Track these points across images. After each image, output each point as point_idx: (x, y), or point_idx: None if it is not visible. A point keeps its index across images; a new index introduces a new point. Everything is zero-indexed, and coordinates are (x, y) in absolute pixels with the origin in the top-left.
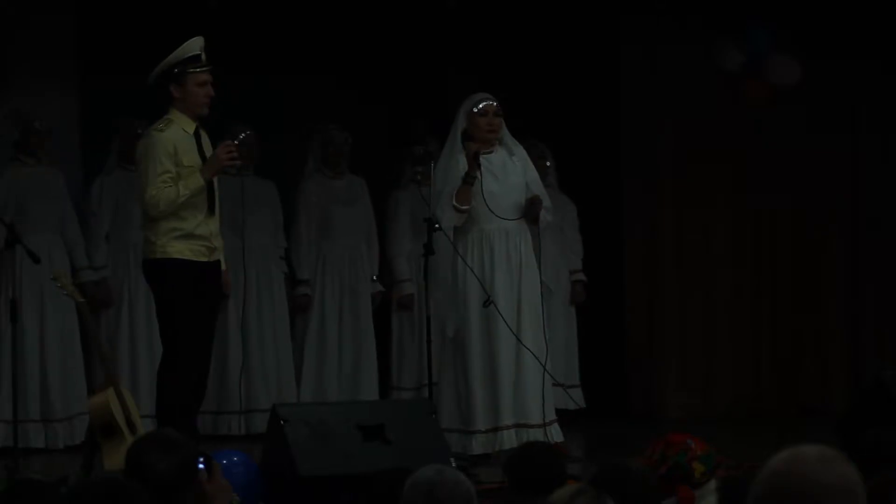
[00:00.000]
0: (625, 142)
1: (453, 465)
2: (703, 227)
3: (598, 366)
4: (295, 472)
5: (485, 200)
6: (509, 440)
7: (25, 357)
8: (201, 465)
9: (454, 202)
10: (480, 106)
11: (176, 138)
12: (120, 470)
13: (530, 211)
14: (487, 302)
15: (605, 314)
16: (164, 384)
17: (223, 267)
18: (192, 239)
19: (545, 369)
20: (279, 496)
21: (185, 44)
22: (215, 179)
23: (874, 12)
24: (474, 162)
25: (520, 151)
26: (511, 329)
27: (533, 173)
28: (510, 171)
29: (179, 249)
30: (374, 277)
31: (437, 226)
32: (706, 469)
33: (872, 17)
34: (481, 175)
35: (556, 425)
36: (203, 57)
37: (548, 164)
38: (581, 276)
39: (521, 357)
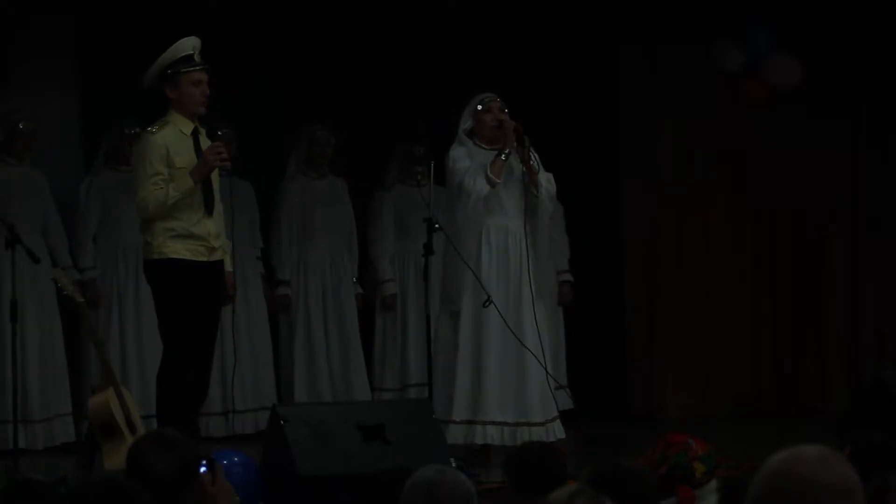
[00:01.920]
0: (625, 142)
1: (453, 465)
2: (703, 227)
3: (598, 366)
4: (295, 472)
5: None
6: (482, 435)
7: (5, 358)
8: (204, 468)
9: (489, 172)
10: (485, 102)
11: (168, 140)
12: (120, 470)
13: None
14: (487, 302)
15: (605, 314)
16: (164, 384)
17: (229, 268)
18: (189, 239)
19: (546, 369)
20: (279, 496)
21: (176, 44)
22: (215, 180)
23: (874, 12)
24: (513, 135)
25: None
26: (510, 327)
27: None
28: (512, 169)
29: (176, 249)
30: (354, 279)
31: (436, 226)
32: (707, 469)
33: (872, 17)
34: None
35: (558, 422)
36: (196, 56)
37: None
38: (568, 277)
39: (521, 355)
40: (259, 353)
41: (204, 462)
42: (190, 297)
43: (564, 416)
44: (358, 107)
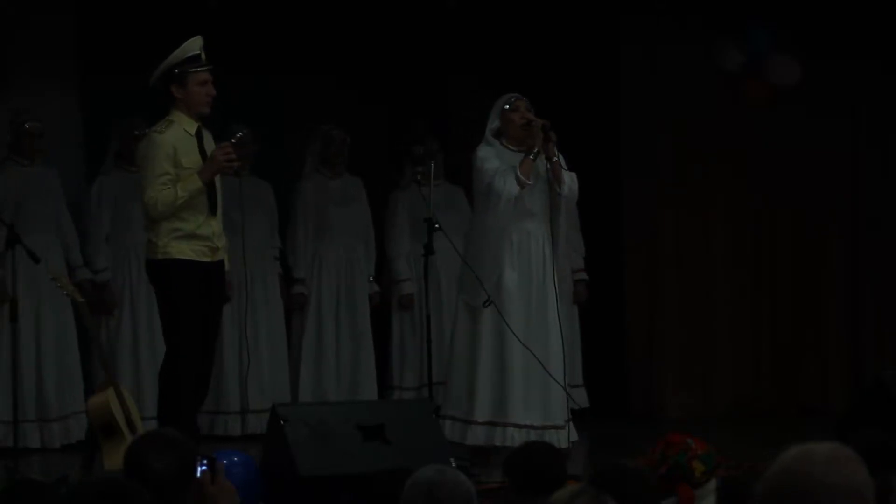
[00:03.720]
0: (625, 142)
1: (453, 465)
2: (703, 227)
3: (598, 366)
4: (295, 472)
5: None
6: (502, 437)
7: (22, 357)
8: (205, 467)
9: (518, 173)
10: (512, 102)
11: (175, 139)
12: (120, 470)
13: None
14: (487, 302)
15: (606, 314)
16: (167, 384)
17: (227, 267)
18: (193, 239)
19: (548, 372)
20: (279, 496)
21: (185, 44)
22: (217, 180)
23: (874, 12)
24: (541, 133)
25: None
26: (514, 331)
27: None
28: (537, 171)
29: (181, 250)
30: (371, 278)
31: (437, 226)
32: (706, 469)
33: (872, 17)
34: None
35: (571, 424)
36: (203, 56)
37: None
38: (583, 276)
39: (546, 357)
40: (276, 354)
41: (204, 462)
42: (194, 297)
43: (572, 416)
44: (358, 107)
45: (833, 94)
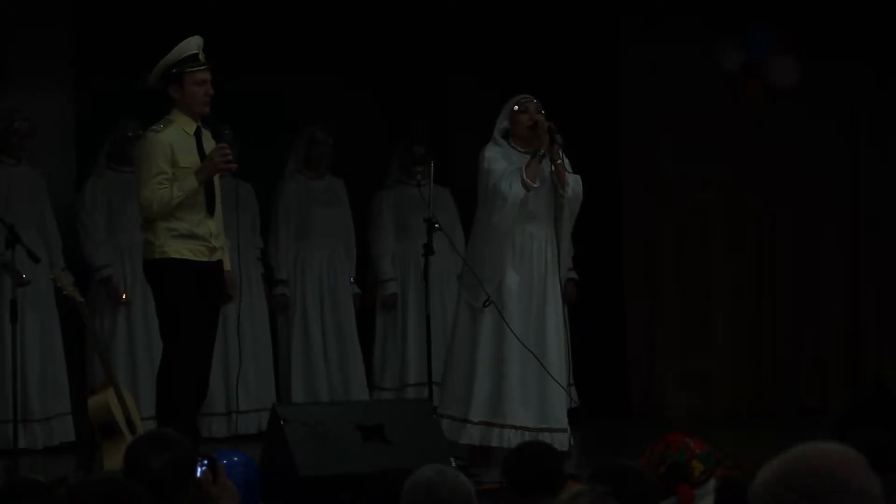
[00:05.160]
0: (625, 142)
1: (453, 465)
2: (703, 227)
3: (598, 365)
4: (295, 472)
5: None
6: (498, 438)
7: (5, 358)
8: (205, 467)
9: (524, 176)
10: (522, 103)
11: (173, 139)
12: (120, 470)
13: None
14: (487, 302)
15: (605, 314)
16: (165, 384)
17: (227, 267)
18: (190, 239)
19: (551, 375)
20: (279, 496)
21: (182, 43)
22: (216, 180)
23: (874, 13)
24: (547, 136)
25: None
26: (514, 332)
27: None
28: (542, 173)
29: (178, 249)
30: (352, 280)
31: (436, 225)
32: (705, 468)
33: (872, 18)
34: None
35: (569, 429)
36: (201, 56)
37: None
38: (573, 275)
39: (544, 359)
40: (261, 354)
41: (204, 461)
42: (191, 296)
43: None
44: (358, 107)
45: (833, 94)
